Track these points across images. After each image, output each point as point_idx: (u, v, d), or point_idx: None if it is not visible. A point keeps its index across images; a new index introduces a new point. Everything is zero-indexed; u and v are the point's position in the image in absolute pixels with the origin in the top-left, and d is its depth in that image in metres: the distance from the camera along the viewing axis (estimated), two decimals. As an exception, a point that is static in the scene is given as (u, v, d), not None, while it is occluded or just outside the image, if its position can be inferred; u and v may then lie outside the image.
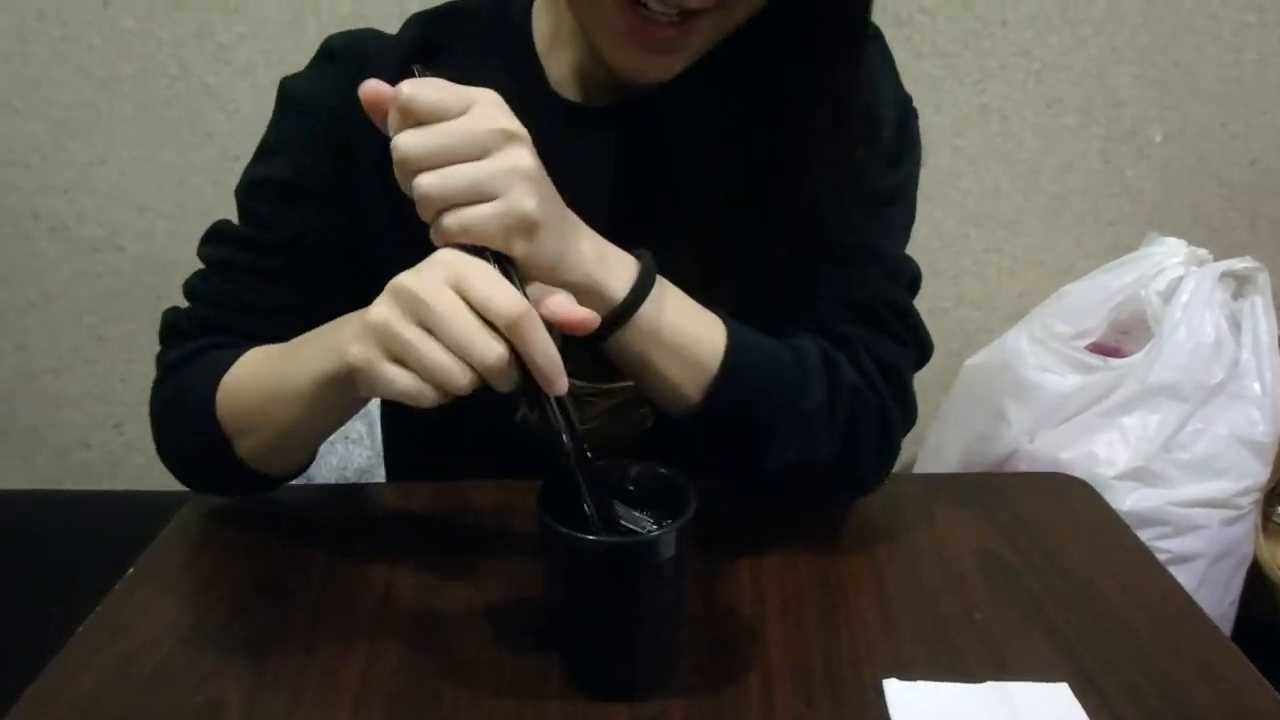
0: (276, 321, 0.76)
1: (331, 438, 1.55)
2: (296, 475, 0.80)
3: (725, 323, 0.69)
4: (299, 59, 0.80)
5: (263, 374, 0.73)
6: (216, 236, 0.81)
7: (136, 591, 0.75)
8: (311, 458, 0.79)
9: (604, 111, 0.79)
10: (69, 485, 2.14)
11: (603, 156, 0.78)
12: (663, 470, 0.62)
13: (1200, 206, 1.88)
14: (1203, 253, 1.55)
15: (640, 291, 0.64)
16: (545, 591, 0.63)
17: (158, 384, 0.81)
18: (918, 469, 1.84)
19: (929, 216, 1.89)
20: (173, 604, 0.73)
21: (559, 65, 0.78)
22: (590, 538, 0.56)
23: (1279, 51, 1.77)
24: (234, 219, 0.82)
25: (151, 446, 0.81)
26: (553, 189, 0.60)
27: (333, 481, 1.53)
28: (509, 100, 0.67)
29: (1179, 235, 1.59)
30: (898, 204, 0.82)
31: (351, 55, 0.79)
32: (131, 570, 0.77)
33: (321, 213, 0.79)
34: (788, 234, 0.76)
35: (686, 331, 0.67)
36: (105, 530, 1.97)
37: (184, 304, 0.82)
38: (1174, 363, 1.41)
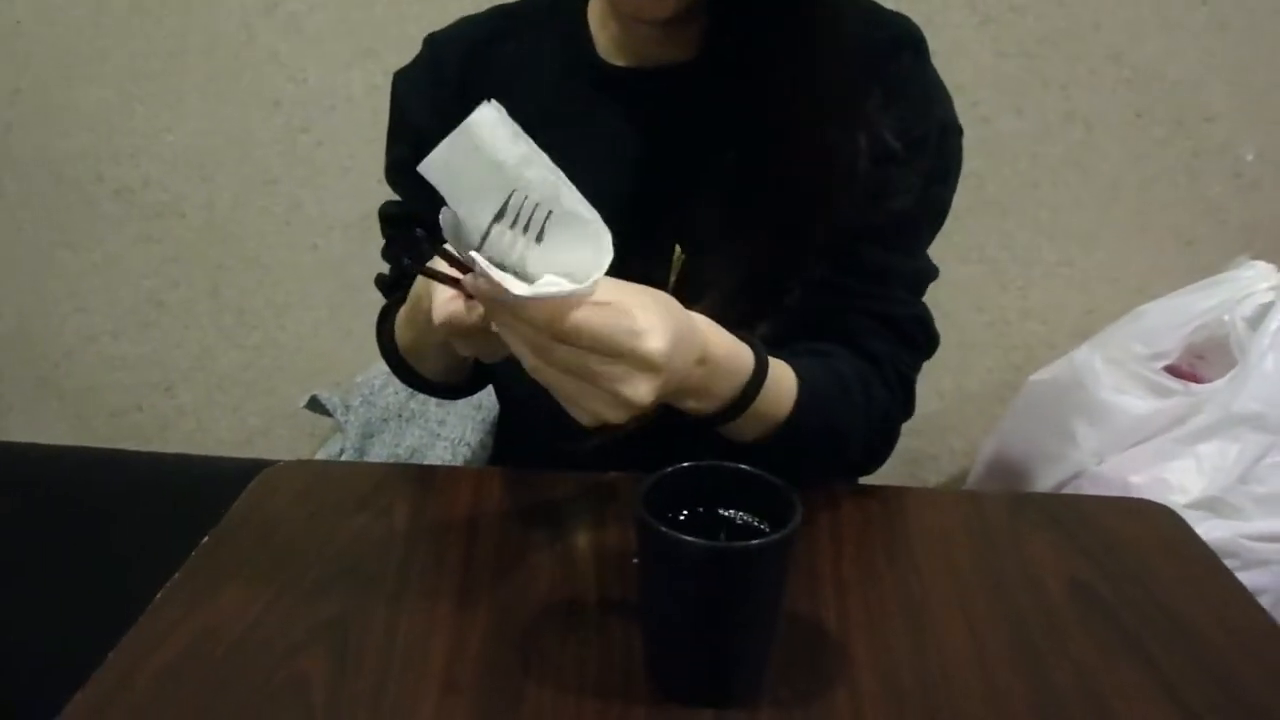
0: None
1: (385, 416, 1.58)
2: (472, 387, 0.98)
3: (798, 378, 0.77)
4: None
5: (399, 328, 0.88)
6: (382, 212, 0.97)
7: (211, 565, 0.75)
8: (467, 375, 0.94)
9: (641, 74, 0.87)
10: (122, 445, 2.17)
11: (639, 116, 0.85)
12: (765, 477, 0.60)
13: (1291, 231, 1.82)
14: (1296, 279, 1.50)
15: (754, 387, 0.72)
16: (640, 591, 0.62)
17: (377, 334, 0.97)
18: (971, 482, 1.80)
19: (999, 226, 1.85)
20: (248, 580, 0.73)
21: (607, 37, 0.88)
22: (693, 540, 0.54)
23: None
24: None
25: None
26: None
27: (385, 459, 1.53)
28: (558, 69, 0.88)
29: (1268, 260, 1.54)
30: (930, 219, 0.88)
31: (436, 51, 0.93)
32: (205, 540, 0.77)
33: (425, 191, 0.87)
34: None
35: (772, 400, 0.74)
36: (157, 491, 2.03)
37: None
38: (1260, 393, 1.37)
